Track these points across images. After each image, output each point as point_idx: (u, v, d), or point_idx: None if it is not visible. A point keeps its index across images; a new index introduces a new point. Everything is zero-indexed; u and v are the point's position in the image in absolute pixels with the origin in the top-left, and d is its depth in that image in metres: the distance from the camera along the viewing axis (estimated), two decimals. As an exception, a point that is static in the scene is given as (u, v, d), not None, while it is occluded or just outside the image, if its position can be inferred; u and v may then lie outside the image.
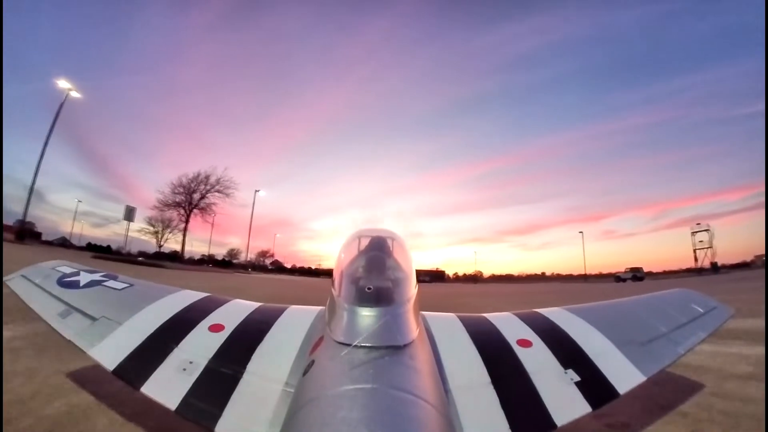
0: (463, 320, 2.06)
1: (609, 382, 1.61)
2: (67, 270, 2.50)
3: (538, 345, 1.82)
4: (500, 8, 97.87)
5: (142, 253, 54.97)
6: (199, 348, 1.68)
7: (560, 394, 1.53)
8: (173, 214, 52.82)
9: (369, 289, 1.65)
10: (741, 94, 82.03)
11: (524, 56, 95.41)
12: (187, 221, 53.21)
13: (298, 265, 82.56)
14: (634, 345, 1.85)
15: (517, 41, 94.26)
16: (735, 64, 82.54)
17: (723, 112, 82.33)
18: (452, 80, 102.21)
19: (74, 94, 32.86)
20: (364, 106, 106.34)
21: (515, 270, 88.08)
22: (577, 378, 1.61)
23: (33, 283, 2.31)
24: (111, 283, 2.32)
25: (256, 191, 56.09)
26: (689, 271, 56.07)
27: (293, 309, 2.15)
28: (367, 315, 1.53)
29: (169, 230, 55.02)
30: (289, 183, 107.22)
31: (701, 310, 2.23)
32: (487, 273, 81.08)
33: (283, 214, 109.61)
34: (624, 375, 1.66)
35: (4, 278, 2.45)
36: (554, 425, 1.40)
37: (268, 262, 75.86)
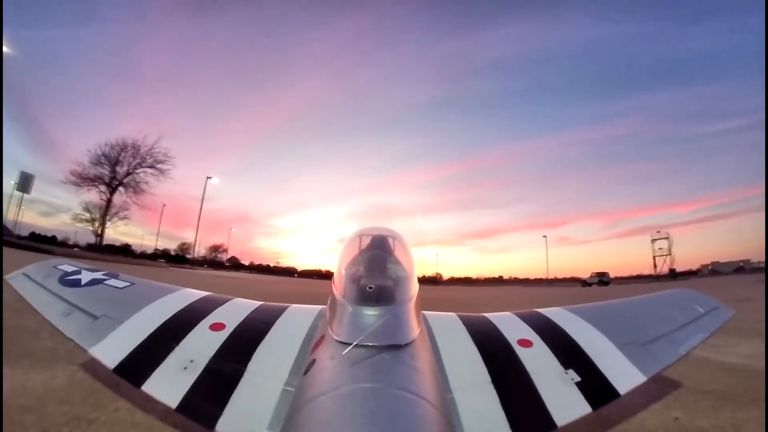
0: (463, 320, 2.07)
1: (609, 383, 1.61)
2: (69, 268, 2.48)
3: (539, 345, 1.82)
4: (472, 15, 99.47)
5: (90, 246, 48.72)
6: (199, 347, 1.68)
7: (561, 394, 1.54)
8: (93, 191, 43.03)
9: (370, 288, 1.66)
10: (694, 115, 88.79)
11: (492, 64, 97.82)
12: (109, 201, 43.30)
13: (257, 262, 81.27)
14: (634, 345, 1.85)
15: (486, 49, 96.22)
16: (690, 88, 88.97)
17: (675, 131, 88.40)
18: (420, 83, 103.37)
19: (6, 49, 27.87)
20: (331, 103, 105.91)
21: (474, 273, 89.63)
22: (578, 378, 1.62)
23: (35, 282, 2.30)
24: (112, 282, 2.31)
25: (207, 178, 50.03)
26: (640, 277, 59.52)
27: (294, 308, 2.14)
28: (368, 314, 1.54)
29: (108, 218, 45.86)
30: (250, 177, 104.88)
31: (702, 310, 2.22)
32: (446, 275, 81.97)
33: (242, 209, 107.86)
34: (624, 375, 1.66)
35: (6, 276, 2.43)
36: (554, 425, 1.40)
37: (223, 257, 73.17)
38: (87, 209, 45.96)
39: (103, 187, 43.36)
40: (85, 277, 2.35)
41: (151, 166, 46.04)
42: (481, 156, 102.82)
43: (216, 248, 72.99)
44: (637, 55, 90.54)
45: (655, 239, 59.89)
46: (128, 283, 2.32)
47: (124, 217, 47.82)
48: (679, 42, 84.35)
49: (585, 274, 52.27)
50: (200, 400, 1.42)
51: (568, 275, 68.36)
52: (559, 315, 2.16)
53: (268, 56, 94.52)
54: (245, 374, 1.53)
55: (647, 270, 60.82)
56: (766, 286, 12.91)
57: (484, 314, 2.21)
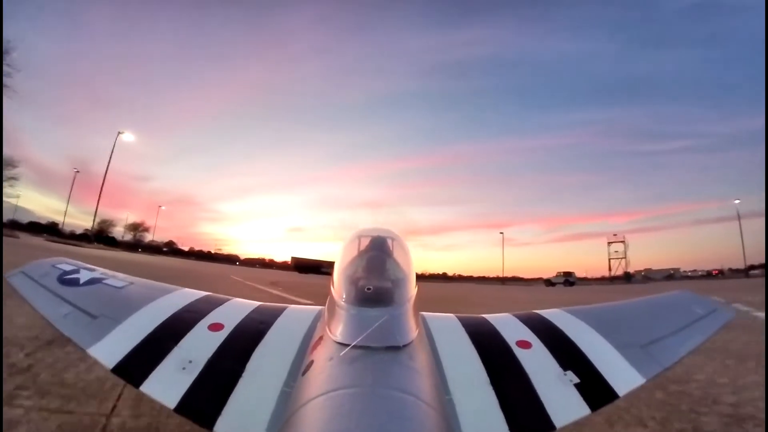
0: (462, 321, 2.06)
1: (608, 384, 1.62)
2: (67, 267, 2.47)
3: (538, 346, 1.82)
4: (440, 14, 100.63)
5: (32, 224, 44.67)
6: (198, 347, 1.67)
7: (559, 396, 1.54)
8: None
9: (369, 289, 1.66)
10: (638, 133, 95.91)
11: (449, 64, 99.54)
12: None
13: (197, 248, 78.26)
14: (633, 347, 1.85)
15: (445, 49, 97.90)
16: (642, 107, 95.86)
17: (620, 146, 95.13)
18: (375, 76, 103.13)
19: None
20: (283, 89, 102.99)
21: (419, 269, 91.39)
22: (577, 379, 1.62)
23: (33, 280, 2.28)
24: (110, 281, 2.30)
25: (119, 133, 39.35)
26: (585, 279, 63.30)
27: (293, 308, 2.14)
28: (366, 315, 1.53)
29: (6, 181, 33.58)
30: (195, 158, 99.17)
31: (701, 312, 2.21)
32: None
33: (185, 191, 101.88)
34: (623, 377, 1.67)
35: (5, 275, 2.40)
36: (553, 426, 1.41)
37: (145, 237, 66.00)
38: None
39: None
40: (84, 275, 2.33)
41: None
42: (429, 154, 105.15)
43: (136, 227, 65.02)
44: (595, 71, 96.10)
45: (612, 242, 64.09)
46: (127, 283, 2.31)
47: (11, 177, 35.66)
48: (635, 64, 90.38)
49: (526, 275, 55.01)
50: (199, 400, 1.42)
51: (509, 275, 72.37)
52: (557, 316, 2.17)
53: (219, 34, 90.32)
54: (244, 375, 1.53)
55: (584, 273, 65.01)
56: (766, 287, 13.00)
57: (483, 315, 2.22)
